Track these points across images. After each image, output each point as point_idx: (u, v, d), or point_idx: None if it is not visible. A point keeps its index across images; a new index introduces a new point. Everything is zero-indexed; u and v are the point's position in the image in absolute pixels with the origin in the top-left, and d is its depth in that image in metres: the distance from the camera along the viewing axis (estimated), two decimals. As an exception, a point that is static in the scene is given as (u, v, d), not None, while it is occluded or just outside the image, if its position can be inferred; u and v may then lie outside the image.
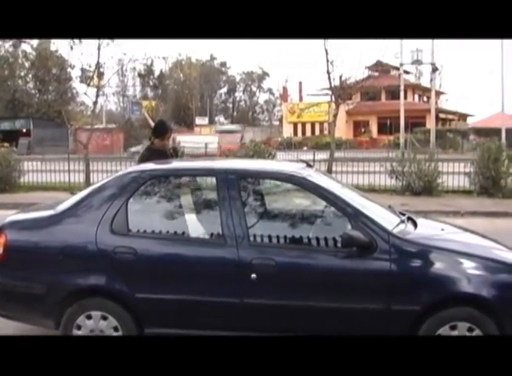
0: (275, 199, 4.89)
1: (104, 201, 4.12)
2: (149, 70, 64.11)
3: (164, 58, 57.64)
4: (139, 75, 64.96)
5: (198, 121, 56.34)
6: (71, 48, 16.33)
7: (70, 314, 4.01)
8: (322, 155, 18.28)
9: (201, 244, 4.10)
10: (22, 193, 14.07)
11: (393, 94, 43.07)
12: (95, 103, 16.99)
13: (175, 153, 6.23)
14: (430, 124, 35.83)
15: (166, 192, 4.37)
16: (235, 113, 72.51)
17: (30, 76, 50.87)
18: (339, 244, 3.91)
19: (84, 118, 45.75)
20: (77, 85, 46.97)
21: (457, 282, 3.76)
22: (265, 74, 71.20)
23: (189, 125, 56.02)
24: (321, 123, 52.25)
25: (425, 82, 50.94)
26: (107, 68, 18.47)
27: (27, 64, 50.57)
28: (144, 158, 5.48)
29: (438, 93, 53.46)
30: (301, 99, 57.57)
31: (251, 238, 3.95)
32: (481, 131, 39.10)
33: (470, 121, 54.84)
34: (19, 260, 4.14)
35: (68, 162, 15.70)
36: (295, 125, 54.34)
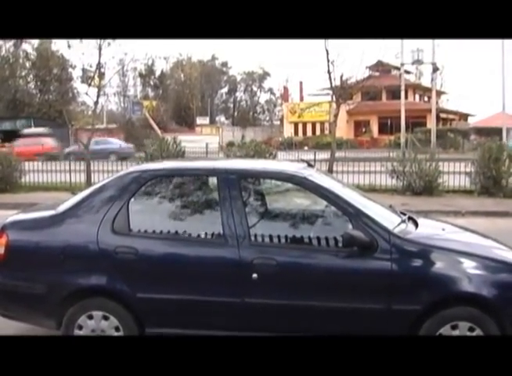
0: (276, 199, 4.90)
1: (105, 201, 4.13)
2: (150, 70, 64.09)
3: (164, 58, 57.79)
4: (140, 75, 64.92)
5: (199, 120, 56.30)
6: (68, 46, 16.37)
7: (71, 314, 4.01)
8: (323, 155, 18.30)
9: (202, 243, 4.11)
10: (23, 193, 14.07)
11: (394, 94, 43.05)
12: (96, 103, 16.98)
13: None
14: (431, 123, 35.74)
15: (167, 192, 4.38)
16: (236, 113, 72.47)
17: (31, 76, 50.85)
18: (340, 244, 3.92)
19: (85, 118, 45.66)
20: (78, 85, 47.13)
21: (458, 282, 3.76)
22: (265, 74, 71.10)
23: (189, 125, 56.02)
24: (322, 123, 52.21)
25: (426, 82, 50.85)
26: (108, 68, 18.60)
27: (28, 64, 50.55)
28: None
29: (439, 93, 53.41)
30: (301, 98, 57.51)
31: (252, 238, 3.95)
32: (481, 131, 39.06)
33: (471, 121, 54.74)
34: (20, 260, 4.15)
35: (69, 162, 15.72)
36: (296, 125, 54.29)
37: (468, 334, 3.71)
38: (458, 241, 4.25)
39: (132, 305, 3.98)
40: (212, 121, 60.99)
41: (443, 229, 4.51)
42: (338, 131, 21.53)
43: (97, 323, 4.00)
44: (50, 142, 29.39)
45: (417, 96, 53.21)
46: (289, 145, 41.48)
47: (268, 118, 73.06)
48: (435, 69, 35.16)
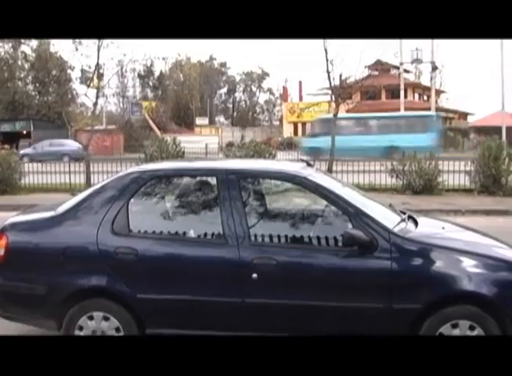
0: (276, 198, 4.90)
1: (105, 202, 4.13)
2: (149, 70, 63.99)
3: (163, 58, 57.61)
4: (139, 76, 64.84)
5: (198, 121, 56.26)
6: (76, 48, 16.38)
7: (71, 315, 4.01)
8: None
9: (202, 244, 4.10)
10: (23, 194, 14.07)
11: (393, 93, 43.07)
12: (95, 104, 17.01)
13: None
14: (431, 123, 35.74)
15: (167, 192, 4.38)
16: (235, 114, 72.45)
17: (30, 78, 50.74)
18: (340, 243, 3.92)
19: (85, 119, 45.65)
20: (77, 87, 46.93)
21: (458, 280, 3.76)
22: (264, 74, 71.06)
23: (189, 126, 56.00)
24: (321, 122, 52.17)
25: (425, 81, 50.94)
26: (107, 69, 18.60)
27: (26, 66, 50.45)
28: None
29: (438, 92, 53.40)
30: (301, 98, 57.52)
31: (252, 238, 3.95)
32: (481, 130, 39.11)
33: (471, 120, 54.83)
34: (20, 261, 4.15)
35: (69, 163, 15.72)
36: (295, 125, 54.27)
37: (468, 332, 3.72)
38: (458, 240, 4.25)
39: (133, 306, 3.97)
40: (211, 122, 60.94)
41: (443, 228, 4.51)
42: (338, 130, 21.46)
43: (97, 323, 4.00)
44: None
45: (417, 95, 53.22)
46: (288, 145, 41.46)
47: (267, 118, 73.06)
48: (434, 68, 35.22)
